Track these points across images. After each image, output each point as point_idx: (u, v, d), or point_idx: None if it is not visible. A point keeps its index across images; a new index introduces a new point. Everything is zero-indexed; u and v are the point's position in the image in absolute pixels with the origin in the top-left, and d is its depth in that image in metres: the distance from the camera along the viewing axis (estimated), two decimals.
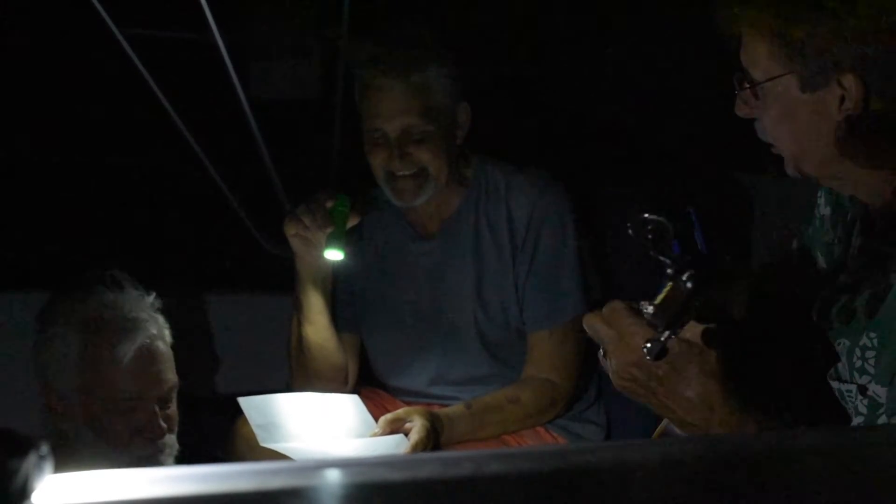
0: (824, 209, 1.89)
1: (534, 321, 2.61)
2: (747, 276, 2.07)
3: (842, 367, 1.73)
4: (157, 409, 2.44)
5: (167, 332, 2.51)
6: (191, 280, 3.14)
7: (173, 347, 2.52)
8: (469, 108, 2.60)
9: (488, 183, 2.65)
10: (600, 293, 2.68)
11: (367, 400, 2.61)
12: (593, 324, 1.64)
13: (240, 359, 3.11)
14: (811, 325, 1.78)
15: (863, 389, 1.68)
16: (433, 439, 2.44)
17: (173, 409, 2.49)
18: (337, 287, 2.68)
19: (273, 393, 2.49)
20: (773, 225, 2.79)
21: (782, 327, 1.90)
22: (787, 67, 1.65)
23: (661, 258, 1.55)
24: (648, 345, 1.55)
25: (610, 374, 1.65)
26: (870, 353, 1.66)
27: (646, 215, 1.58)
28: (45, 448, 0.90)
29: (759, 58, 1.68)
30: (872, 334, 1.65)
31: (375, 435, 2.43)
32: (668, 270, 1.54)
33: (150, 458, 2.41)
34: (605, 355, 1.65)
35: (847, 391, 1.72)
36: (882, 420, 1.64)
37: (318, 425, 2.46)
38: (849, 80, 1.62)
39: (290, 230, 2.55)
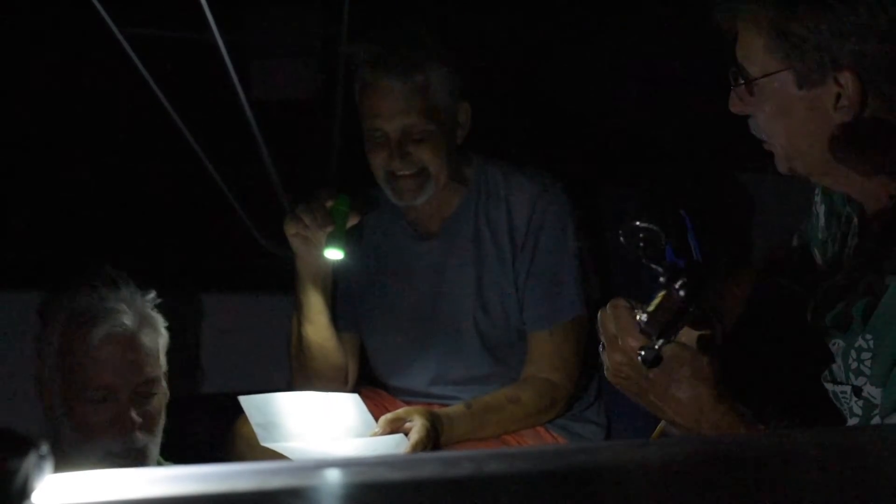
0: (819, 206, 1.88)
1: (534, 321, 2.61)
2: (745, 275, 2.07)
3: (836, 368, 1.73)
4: (131, 402, 2.38)
5: (158, 328, 2.47)
6: (191, 280, 3.13)
7: (171, 349, 2.49)
8: (469, 108, 2.60)
9: (488, 183, 2.65)
10: (600, 293, 2.68)
11: (367, 399, 2.60)
12: (602, 318, 1.65)
13: (240, 359, 3.11)
14: (805, 327, 1.79)
15: (858, 391, 1.67)
16: (433, 439, 2.44)
17: (154, 407, 2.41)
18: (337, 287, 2.69)
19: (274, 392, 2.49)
20: (772, 223, 2.79)
21: (776, 329, 1.90)
22: (785, 63, 1.64)
23: (654, 266, 1.55)
24: (643, 352, 1.55)
25: (604, 370, 1.66)
26: (865, 355, 1.66)
27: (637, 223, 1.57)
28: (45, 448, 0.90)
29: (755, 53, 1.67)
30: (868, 336, 1.65)
31: (375, 434, 2.43)
32: (661, 279, 1.54)
33: (121, 456, 2.35)
34: (604, 349, 1.66)
35: (841, 392, 1.72)
36: (876, 421, 1.64)
37: (319, 425, 2.46)
38: (846, 78, 1.61)
39: (291, 230, 2.55)
